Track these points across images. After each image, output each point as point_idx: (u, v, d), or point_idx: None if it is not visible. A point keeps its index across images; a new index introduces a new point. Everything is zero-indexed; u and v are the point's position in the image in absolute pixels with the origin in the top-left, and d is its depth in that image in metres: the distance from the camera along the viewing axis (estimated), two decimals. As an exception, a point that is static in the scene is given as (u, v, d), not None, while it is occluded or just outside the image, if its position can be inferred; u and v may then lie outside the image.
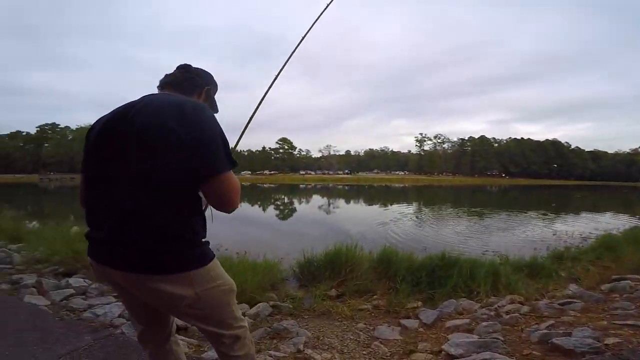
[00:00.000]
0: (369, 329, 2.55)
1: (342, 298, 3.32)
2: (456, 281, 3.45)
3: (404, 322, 2.69)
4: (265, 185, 43.20)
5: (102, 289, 3.39)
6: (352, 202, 22.98)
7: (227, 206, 1.04)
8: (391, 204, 18.77)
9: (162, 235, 0.98)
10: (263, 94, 1.66)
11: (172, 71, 1.25)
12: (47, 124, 74.48)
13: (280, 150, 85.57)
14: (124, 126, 1.02)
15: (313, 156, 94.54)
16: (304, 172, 77.52)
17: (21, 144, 73.48)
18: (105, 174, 1.05)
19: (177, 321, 2.44)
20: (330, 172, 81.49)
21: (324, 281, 3.68)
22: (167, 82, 1.21)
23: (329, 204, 20.07)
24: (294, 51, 1.61)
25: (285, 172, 79.28)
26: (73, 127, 74.93)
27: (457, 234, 9.13)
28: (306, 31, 1.66)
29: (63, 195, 26.01)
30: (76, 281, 3.52)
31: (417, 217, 13.23)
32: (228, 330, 1.18)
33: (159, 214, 0.98)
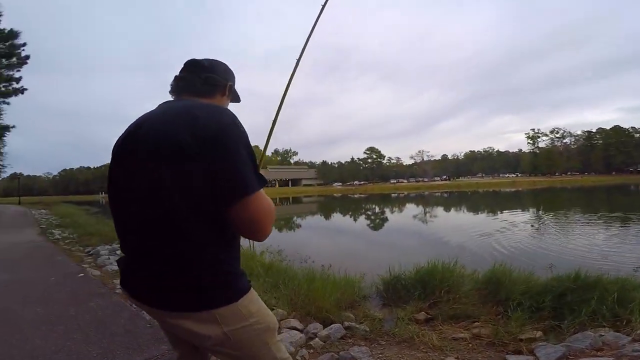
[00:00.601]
0: (460, 365, 2.03)
1: (432, 323, 2.81)
2: (596, 307, 2.57)
3: (511, 359, 2.08)
4: (355, 196, 43.23)
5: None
6: (451, 210, 20.69)
7: (259, 234, 0.88)
8: (500, 212, 16.21)
9: (182, 270, 0.87)
10: (281, 99, 1.52)
11: (183, 72, 1.08)
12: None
13: (369, 160, 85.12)
14: (136, 145, 0.91)
15: (404, 163, 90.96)
16: (395, 181, 75.08)
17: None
18: (122, 201, 0.96)
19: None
20: (425, 180, 76.72)
21: (412, 302, 3.22)
22: (182, 88, 1.05)
23: (424, 213, 18.58)
24: (303, 51, 1.46)
25: (375, 181, 78.18)
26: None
27: (592, 246, 7.23)
28: (310, 29, 1.50)
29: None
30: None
31: (534, 226, 11.01)
32: None
33: (179, 246, 0.86)
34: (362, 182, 76.26)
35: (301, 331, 2.64)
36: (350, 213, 21.62)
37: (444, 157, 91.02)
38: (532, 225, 11.08)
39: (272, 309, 3.09)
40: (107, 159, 1.00)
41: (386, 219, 17.23)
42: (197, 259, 0.86)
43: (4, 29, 10.67)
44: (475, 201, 27.65)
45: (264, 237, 0.90)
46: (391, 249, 7.92)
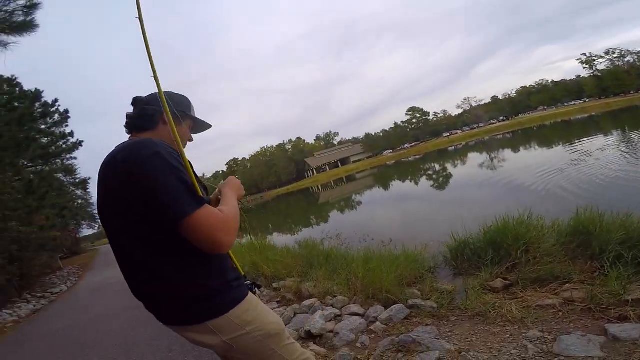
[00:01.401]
0: (546, 339, 1.76)
1: (511, 290, 2.45)
2: None
3: (613, 328, 1.68)
4: (410, 159, 41.48)
5: (271, 295, 3.87)
6: (519, 150, 18.26)
7: (214, 247, 0.87)
8: (579, 140, 13.68)
9: (164, 291, 0.93)
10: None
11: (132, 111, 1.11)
12: (231, 160, 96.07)
13: (413, 120, 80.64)
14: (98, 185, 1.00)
15: (452, 115, 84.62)
16: (448, 134, 70.17)
17: (222, 181, 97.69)
18: (107, 231, 1.02)
19: (311, 328, 2.47)
20: (481, 125, 70.70)
21: (485, 268, 2.83)
22: (128, 126, 1.09)
23: (487, 160, 16.96)
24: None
25: (427, 139, 74.19)
26: (248, 156, 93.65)
27: None
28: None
29: (254, 212, 32.66)
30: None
31: (623, 151, 9.11)
32: None
33: (150, 274, 0.93)
34: (413, 144, 72.96)
35: (362, 316, 2.60)
36: (406, 178, 20.83)
37: (495, 98, 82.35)
38: (620, 151, 9.41)
39: (333, 297, 3.13)
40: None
41: (445, 176, 15.93)
42: (174, 277, 0.91)
43: (28, 91, 11.87)
44: (544, 135, 24.65)
45: (224, 249, 0.89)
46: (455, 210, 7.36)
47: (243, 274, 1.11)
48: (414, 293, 2.80)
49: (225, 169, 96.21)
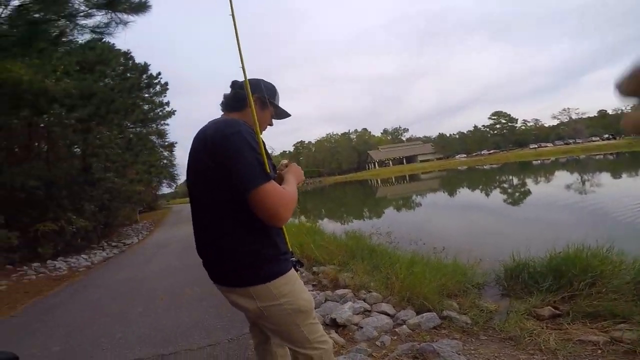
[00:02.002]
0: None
1: (557, 321, 2.30)
2: None
3: None
4: (485, 167, 38.06)
5: (309, 278, 4.03)
6: (622, 176, 15.39)
7: (273, 220, 1.02)
8: None
9: (221, 252, 1.09)
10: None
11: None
12: (298, 142, 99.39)
13: (497, 126, 72.94)
14: (189, 159, 1.19)
15: (545, 125, 74.45)
16: (535, 146, 61.97)
17: (287, 160, 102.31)
18: (190, 194, 1.21)
19: (337, 317, 2.52)
20: (579, 141, 61.09)
21: (538, 293, 2.69)
22: (222, 105, 1.26)
23: (578, 182, 14.71)
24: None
25: (510, 148, 66.95)
26: (313, 141, 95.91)
27: None
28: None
29: (310, 195, 33.66)
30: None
31: None
32: (300, 349, 1.16)
33: (218, 234, 1.08)
34: (492, 151, 66.55)
35: (391, 316, 2.58)
36: (476, 186, 19.25)
37: (602, 112, 69.57)
38: None
39: (368, 292, 3.14)
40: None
41: (522, 192, 14.25)
42: (233, 241, 1.06)
43: (139, 63, 13.73)
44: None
45: (280, 223, 1.03)
46: (523, 230, 6.71)
47: (290, 250, 1.23)
48: (451, 305, 2.71)
49: (292, 149, 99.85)
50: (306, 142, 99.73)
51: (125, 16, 4.90)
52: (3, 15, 4.31)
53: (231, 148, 1.02)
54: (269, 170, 1.03)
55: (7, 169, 7.90)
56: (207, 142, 1.07)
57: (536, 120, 76.40)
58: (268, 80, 1.32)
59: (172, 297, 4.02)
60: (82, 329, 3.24)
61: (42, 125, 9.35)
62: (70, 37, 5.20)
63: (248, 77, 1.18)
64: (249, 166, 1.00)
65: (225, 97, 1.25)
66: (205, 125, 1.16)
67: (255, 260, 1.06)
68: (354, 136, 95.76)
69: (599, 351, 1.85)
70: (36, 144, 9.89)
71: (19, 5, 4.37)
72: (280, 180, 1.20)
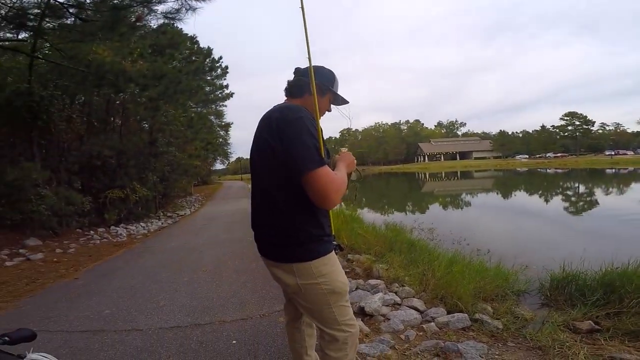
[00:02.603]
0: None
1: (594, 336, 2.20)
2: None
3: None
4: (548, 171, 34.66)
5: (342, 265, 4.13)
6: None
7: (324, 202, 1.08)
8: None
9: (273, 228, 1.18)
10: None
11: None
12: (344, 129, 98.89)
13: (569, 128, 65.48)
14: (254, 139, 1.29)
15: (628, 130, 65.24)
16: (612, 153, 54.38)
17: (333, 146, 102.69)
18: (252, 171, 1.32)
19: (365, 306, 2.58)
20: None
21: (582, 307, 2.60)
22: (285, 90, 1.35)
23: None
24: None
25: (581, 153, 59.98)
26: (360, 129, 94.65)
27: None
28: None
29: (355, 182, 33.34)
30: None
31: None
32: (328, 328, 1.24)
33: (272, 210, 1.17)
34: (559, 154, 60.18)
35: (421, 312, 2.58)
36: (536, 191, 17.71)
37: None
38: None
39: (401, 286, 3.15)
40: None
41: (588, 201, 12.84)
42: (284, 220, 1.14)
43: (203, 47, 14.53)
44: None
45: (330, 205, 1.11)
46: (580, 241, 6.11)
47: (333, 234, 1.31)
48: (485, 309, 2.66)
49: (338, 136, 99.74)
50: (353, 129, 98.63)
51: (194, 2, 5.27)
52: (89, 2, 4.89)
53: (292, 132, 1.09)
54: (323, 156, 1.10)
55: (87, 139, 8.98)
56: (271, 124, 1.15)
57: (617, 124, 67.47)
58: (330, 70, 1.38)
59: (215, 268, 4.32)
60: (133, 294, 3.48)
61: (117, 102, 10.45)
62: (145, 22, 5.72)
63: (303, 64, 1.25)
64: (306, 150, 1.07)
65: (289, 83, 1.33)
66: (271, 109, 1.25)
67: (303, 239, 1.15)
68: (405, 127, 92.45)
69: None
70: (112, 118, 11.07)
71: None
72: (332, 166, 1.26)
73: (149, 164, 10.74)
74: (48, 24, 5.59)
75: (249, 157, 1.35)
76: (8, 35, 5.81)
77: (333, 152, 1.38)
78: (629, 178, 22.60)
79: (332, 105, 1.42)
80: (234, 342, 2.29)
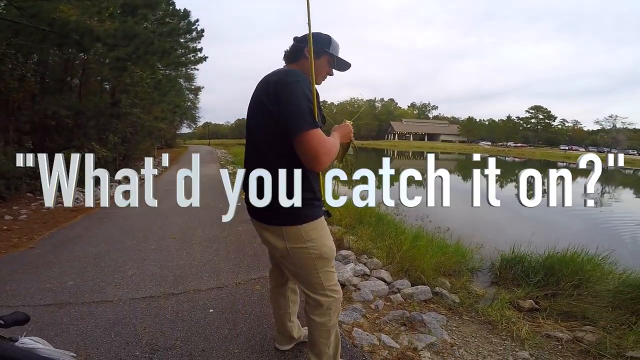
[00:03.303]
0: (533, 362, 1.81)
1: (534, 314, 2.50)
2: None
3: None
4: (507, 159, 36.84)
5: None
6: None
7: (313, 164, 1.11)
8: None
9: (264, 191, 1.17)
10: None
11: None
12: (321, 101, 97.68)
13: (532, 120, 69.35)
14: (251, 101, 1.31)
15: (584, 129, 70.28)
16: (566, 147, 58.65)
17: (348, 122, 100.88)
18: (247, 132, 1.33)
19: (339, 277, 2.71)
20: (613, 151, 56.75)
21: (525, 286, 2.90)
22: (284, 57, 1.37)
23: (600, 193, 14.23)
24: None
25: (539, 145, 64.05)
26: (336, 102, 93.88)
27: None
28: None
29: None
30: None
31: None
32: (313, 293, 1.28)
33: (267, 164, 1.17)
34: (519, 145, 63.81)
35: (388, 284, 2.78)
36: (496, 177, 18.75)
37: None
38: None
39: (370, 257, 3.34)
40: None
41: (543, 192, 13.96)
42: (274, 181, 1.14)
43: (179, 9, 13.51)
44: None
45: (319, 167, 1.14)
46: (530, 227, 6.71)
47: (323, 199, 1.34)
48: (444, 283, 2.89)
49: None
50: (329, 102, 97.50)
51: None
52: None
53: (288, 94, 1.12)
54: (317, 119, 1.13)
55: (41, 99, 8.19)
56: (269, 88, 1.18)
57: (576, 121, 72.26)
58: (328, 34, 1.38)
59: (184, 235, 4.21)
60: (97, 264, 3.29)
61: (77, 62, 9.56)
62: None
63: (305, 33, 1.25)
64: (300, 112, 1.10)
65: (286, 50, 1.36)
66: (269, 74, 1.26)
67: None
68: (380, 105, 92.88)
69: (560, 347, 2.04)
70: (70, 78, 10.13)
71: None
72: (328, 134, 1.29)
73: (110, 125, 10.09)
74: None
75: (243, 118, 1.42)
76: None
77: (336, 122, 1.41)
78: (576, 172, 24.47)
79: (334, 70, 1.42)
80: (211, 310, 2.31)
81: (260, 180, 1.17)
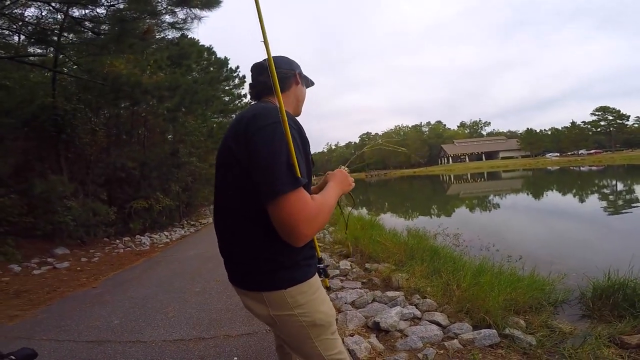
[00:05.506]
0: None
1: None
2: None
3: None
4: (582, 168, 32.62)
5: (359, 274, 3.91)
6: None
7: (290, 237, 0.84)
8: None
9: (241, 252, 0.98)
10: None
11: (254, 77, 1.14)
12: (364, 133, 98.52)
13: (602, 123, 61.83)
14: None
15: (668, 123, 60.86)
16: None
17: (352, 151, 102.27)
18: (215, 186, 1.10)
19: (380, 321, 2.35)
20: None
21: (631, 318, 2.31)
22: (259, 92, 1.11)
23: None
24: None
25: (617, 149, 56.38)
26: (380, 132, 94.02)
27: None
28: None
29: (376, 186, 32.97)
30: (345, 264, 4.23)
31: None
32: None
33: (239, 232, 0.97)
34: (592, 151, 56.77)
35: (443, 328, 2.33)
36: (569, 190, 16.57)
37: None
38: None
39: (423, 297, 2.90)
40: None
41: (628, 200, 11.51)
42: (253, 243, 0.95)
43: (220, 57, 14.85)
44: None
45: (299, 242, 0.85)
46: (624, 246, 5.53)
47: (320, 256, 1.12)
48: (517, 323, 2.38)
49: (357, 140, 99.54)
50: (373, 133, 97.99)
51: (198, 11, 5.35)
52: (101, 16, 5.08)
53: (260, 142, 0.87)
54: (298, 173, 0.84)
55: (113, 151, 9.30)
56: (239, 130, 0.93)
57: (656, 117, 63.08)
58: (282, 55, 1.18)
59: (227, 279, 4.27)
60: (144, 304, 3.46)
61: (143, 114, 10.83)
62: (159, 34, 5.86)
63: (274, 55, 0.97)
64: (279, 164, 0.83)
65: (260, 82, 1.10)
66: (246, 110, 1.01)
67: (272, 266, 0.94)
68: (427, 129, 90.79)
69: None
70: (139, 131, 11.47)
71: (109, 5, 5.03)
72: (318, 188, 1.08)
73: (171, 175, 11.00)
74: (67, 39, 5.82)
75: None
76: (34, 50, 6.11)
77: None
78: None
79: None
80: (235, 358, 2.19)
81: (233, 243, 0.99)
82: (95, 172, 8.57)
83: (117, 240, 8.00)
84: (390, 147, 1.47)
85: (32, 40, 5.62)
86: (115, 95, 6.91)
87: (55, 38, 5.71)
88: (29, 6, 5.30)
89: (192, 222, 12.23)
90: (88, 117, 8.15)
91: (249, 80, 1.18)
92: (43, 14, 5.40)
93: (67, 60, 6.76)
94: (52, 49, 6.02)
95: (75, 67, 7.02)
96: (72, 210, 6.79)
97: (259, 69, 1.10)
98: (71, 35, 5.79)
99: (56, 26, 5.53)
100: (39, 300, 3.91)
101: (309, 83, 1.24)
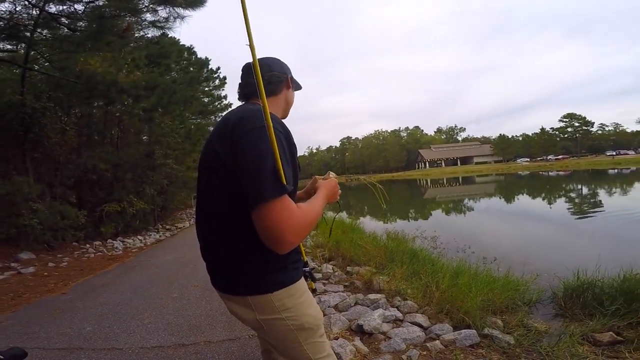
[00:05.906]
0: None
1: (617, 348, 2.03)
2: None
3: None
4: (550, 173, 34.33)
5: (341, 278, 3.92)
6: None
7: (274, 244, 0.82)
8: None
9: (227, 255, 0.95)
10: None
11: (245, 78, 1.11)
12: (345, 138, 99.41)
13: (569, 129, 65.64)
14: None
15: (628, 130, 65.35)
16: (613, 153, 53.94)
17: (333, 155, 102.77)
18: (198, 188, 1.07)
19: (364, 323, 2.37)
20: None
21: (601, 317, 2.44)
22: (249, 93, 1.08)
23: None
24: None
25: (582, 155, 59.82)
26: (360, 137, 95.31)
27: None
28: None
29: (353, 191, 33.21)
30: (327, 267, 4.23)
31: None
32: None
33: (224, 235, 0.94)
34: (560, 157, 59.93)
35: (424, 329, 2.37)
36: (539, 194, 17.37)
37: None
38: None
39: (404, 299, 2.94)
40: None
41: (593, 203, 12.24)
42: (238, 246, 0.92)
43: (200, 58, 14.57)
44: None
45: (281, 250, 0.83)
46: (593, 247, 5.85)
47: (305, 260, 1.11)
48: (495, 323, 2.45)
49: (338, 144, 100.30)
50: (353, 137, 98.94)
51: (182, 11, 5.22)
52: (79, 12, 4.86)
53: (246, 146, 0.85)
54: (284, 180, 0.82)
55: (84, 152, 8.88)
56: (225, 132, 0.91)
57: (616, 124, 67.78)
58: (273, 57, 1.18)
59: (207, 283, 4.08)
60: (118, 310, 3.33)
61: (117, 114, 10.39)
62: (138, 32, 5.67)
63: (259, 57, 0.94)
64: (260, 172, 0.82)
65: (250, 84, 1.06)
66: (232, 112, 0.99)
67: (257, 270, 0.93)
68: (405, 134, 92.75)
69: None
70: (112, 132, 11.01)
71: (88, 1, 4.83)
72: (312, 190, 1.08)
73: (146, 177, 10.60)
74: (40, 35, 5.54)
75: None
76: (4, 46, 5.78)
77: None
78: (634, 177, 22.27)
79: None
80: None
81: (216, 246, 0.96)
82: (64, 174, 8.14)
83: (88, 245, 7.62)
84: (367, 183, 1.48)
85: (3, 35, 5.29)
86: (89, 94, 6.61)
87: (28, 34, 5.40)
88: (3, 1, 5.00)
89: (167, 227, 11.84)
90: (58, 115, 7.76)
91: (230, 81, 1.18)
92: (17, 9, 5.12)
93: (38, 57, 6.42)
94: (23, 45, 5.70)
95: (47, 64, 6.67)
96: (38, 213, 6.43)
97: (249, 70, 1.07)
98: (45, 31, 5.49)
99: (30, 22, 5.23)
100: (2, 307, 3.68)
101: (298, 87, 1.24)
